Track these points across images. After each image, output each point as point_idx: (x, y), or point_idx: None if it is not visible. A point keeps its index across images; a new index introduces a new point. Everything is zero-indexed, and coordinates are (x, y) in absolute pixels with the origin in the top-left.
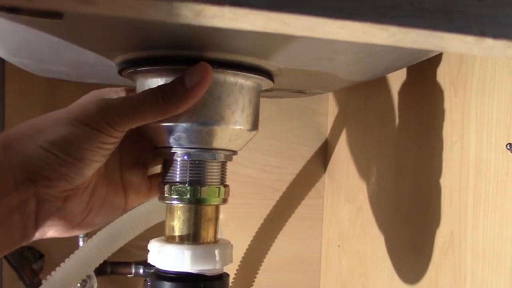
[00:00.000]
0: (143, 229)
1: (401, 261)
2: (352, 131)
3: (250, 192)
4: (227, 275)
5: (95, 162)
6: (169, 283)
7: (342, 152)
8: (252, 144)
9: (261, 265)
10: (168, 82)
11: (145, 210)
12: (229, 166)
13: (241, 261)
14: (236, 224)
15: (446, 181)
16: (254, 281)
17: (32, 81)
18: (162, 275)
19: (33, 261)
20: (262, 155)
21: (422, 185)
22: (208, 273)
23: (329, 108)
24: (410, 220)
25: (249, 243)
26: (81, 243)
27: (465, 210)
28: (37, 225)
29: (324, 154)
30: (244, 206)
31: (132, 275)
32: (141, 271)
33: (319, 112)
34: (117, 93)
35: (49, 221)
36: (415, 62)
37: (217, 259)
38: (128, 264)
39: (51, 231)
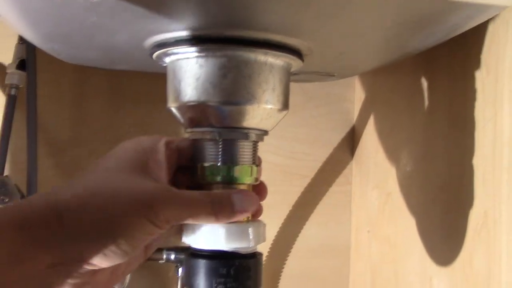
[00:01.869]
0: None
1: (433, 244)
2: (380, 116)
3: (277, 179)
4: (260, 254)
5: (137, 249)
6: (204, 260)
7: (369, 138)
8: (279, 131)
9: (290, 252)
10: (201, 65)
11: None
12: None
13: (270, 248)
14: (264, 212)
15: (479, 161)
16: (283, 268)
17: (62, 71)
18: (197, 253)
19: None
20: (290, 142)
21: (453, 166)
22: (242, 251)
23: (355, 94)
24: (442, 202)
25: (278, 230)
26: None
27: (499, 189)
28: None
29: (351, 140)
30: (272, 194)
31: (163, 261)
32: (172, 257)
33: (345, 98)
34: (156, 144)
35: None
36: (446, 38)
37: (250, 237)
38: (159, 250)
39: None
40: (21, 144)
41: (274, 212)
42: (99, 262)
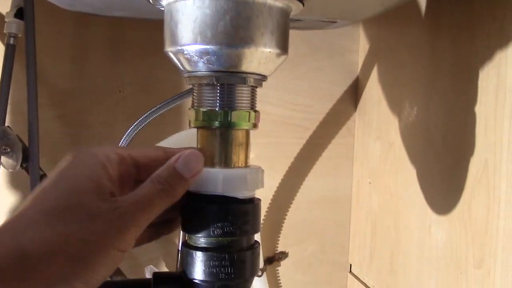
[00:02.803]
0: None
1: (433, 193)
2: (384, 67)
3: (279, 131)
4: (258, 199)
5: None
6: (202, 205)
7: (373, 89)
8: (282, 83)
9: (291, 204)
10: (198, 7)
11: (176, 140)
12: (258, 105)
13: (271, 200)
14: (266, 163)
15: (482, 109)
16: (284, 220)
17: (61, 23)
18: (195, 198)
19: None
20: (292, 94)
21: (456, 115)
22: (240, 196)
23: (360, 45)
24: (443, 151)
25: (279, 182)
26: None
27: (501, 137)
28: None
29: (354, 93)
30: (273, 146)
31: None
32: None
33: (349, 49)
34: (108, 157)
35: None
36: None
37: (248, 182)
38: None
39: None
40: (22, 96)
41: (275, 164)
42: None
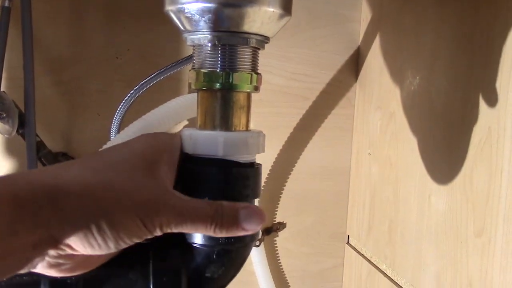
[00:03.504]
0: (175, 123)
1: (434, 162)
2: (386, 36)
3: (279, 101)
4: (259, 164)
5: (121, 247)
6: (202, 167)
7: (375, 59)
8: (282, 52)
9: (290, 175)
10: None
11: (176, 104)
12: None
13: (270, 170)
14: (265, 133)
15: (486, 77)
16: (283, 190)
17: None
18: (194, 161)
19: None
20: (292, 64)
21: (459, 83)
22: (240, 160)
23: (362, 13)
24: (445, 119)
25: (278, 152)
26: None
27: (505, 104)
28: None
29: (355, 63)
30: (273, 115)
31: None
32: None
33: (351, 18)
34: (172, 145)
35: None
36: None
37: (249, 146)
38: None
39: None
40: (18, 61)
41: (274, 134)
42: (82, 250)
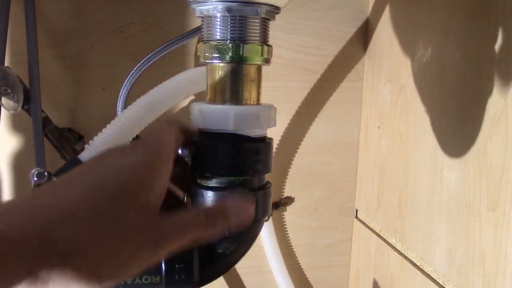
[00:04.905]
0: (182, 97)
1: (445, 136)
2: (397, 5)
3: (286, 75)
4: (270, 138)
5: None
6: (213, 142)
7: (384, 30)
8: (288, 23)
9: (298, 149)
10: None
11: (183, 79)
12: None
13: (278, 144)
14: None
15: (502, 48)
16: (291, 164)
17: None
18: (206, 136)
19: (74, 142)
20: (299, 36)
21: (473, 54)
22: (251, 135)
23: None
24: (458, 91)
25: (286, 126)
26: None
27: None
28: None
29: (364, 34)
30: (280, 89)
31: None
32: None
33: None
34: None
35: None
36: None
37: (260, 120)
38: None
39: None
40: (21, 35)
41: (282, 108)
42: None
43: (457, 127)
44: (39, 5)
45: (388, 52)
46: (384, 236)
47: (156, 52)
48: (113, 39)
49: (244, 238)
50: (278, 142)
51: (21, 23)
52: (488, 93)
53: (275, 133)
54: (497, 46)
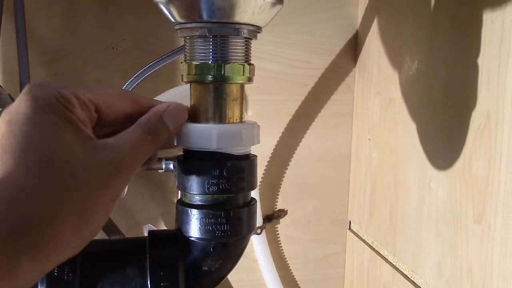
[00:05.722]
0: None
1: (433, 148)
2: (385, 19)
3: (277, 88)
4: (254, 155)
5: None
6: (197, 161)
7: (373, 43)
8: (279, 38)
9: (290, 161)
10: None
11: (169, 96)
12: (255, 61)
13: (270, 158)
14: (264, 121)
15: (484, 60)
16: (284, 177)
17: None
18: (189, 155)
19: None
20: (289, 50)
21: (458, 67)
22: (235, 153)
23: None
24: (444, 104)
25: (278, 139)
26: None
27: (504, 88)
28: None
29: (354, 47)
30: (271, 102)
31: (163, 171)
32: (171, 166)
33: (349, 2)
34: (123, 100)
35: None
36: None
37: (243, 138)
38: (159, 159)
39: None
40: (12, 53)
41: (273, 121)
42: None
43: (443, 140)
44: (31, 23)
45: (377, 65)
46: (376, 248)
47: (147, 68)
48: (104, 56)
49: (229, 255)
50: (270, 155)
51: (13, 41)
52: (472, 106)
53: (266, 146)
54: (480, 60)
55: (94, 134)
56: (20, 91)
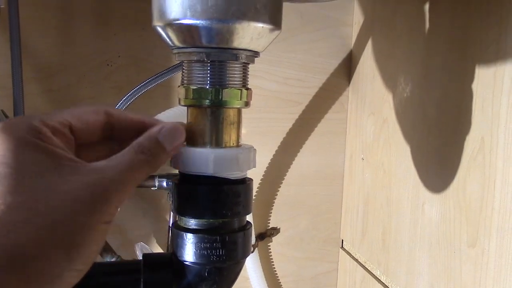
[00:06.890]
0: None
1: (426, 170)
2: (379, 40)
3: (272, 106)
4: (250, 179)
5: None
6: (192, 185)
7: (367, 64)
8: (274, 57)
9: (283, 180)
10: None
11: (165, 118)
12: (249, 79)
13: (263, 176)
14: (257, 139)
15: (479, 86)
16: (277, 195)
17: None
18: (185, 179)
19: None
20: (284, 68)
21: (452, 92)
22: (231, 177)
23: (354, 17)
24: (438, 128)
25: (271, 157)
26: None
27: (498, 114)
28: None
29: (348, 67)
30: (266, 121)
31: (156, 188)
32: (164, 183)
33: (343, 22)
34: (96, 114)
35: None
36: None
37: (240, 162)
38: (152, 177)
39: None
40: (6, 69)
41: (267, 139)
42: None
43: (437, 162)
44: (25, 39)
45: (371, 85)
46: (369, 268)
47: (143, 85)
48: (99, 72)
49: (224, 279)
50: (263, 173)
51: (7, 57)
52: (466, 130)
53: (260, 165)
54: (474, 85)
55: (92, 156)
56: (14, 107)
